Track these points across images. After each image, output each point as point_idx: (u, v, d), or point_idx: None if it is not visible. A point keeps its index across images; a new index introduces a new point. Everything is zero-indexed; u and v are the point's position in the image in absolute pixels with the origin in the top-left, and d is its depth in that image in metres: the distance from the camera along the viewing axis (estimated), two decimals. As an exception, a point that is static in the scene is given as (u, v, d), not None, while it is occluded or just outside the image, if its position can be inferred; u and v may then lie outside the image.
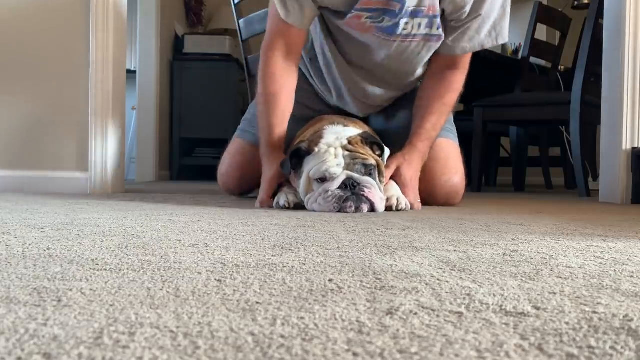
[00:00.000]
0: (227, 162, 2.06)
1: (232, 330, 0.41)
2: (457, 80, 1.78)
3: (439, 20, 1.66)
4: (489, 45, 1.75)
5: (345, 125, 1.60)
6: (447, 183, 1.82)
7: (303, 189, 1.53)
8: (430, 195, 1.82)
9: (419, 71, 1.86)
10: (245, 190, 2.07)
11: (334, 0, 1.66)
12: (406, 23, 1.65)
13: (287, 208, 1.53)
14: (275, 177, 1.67)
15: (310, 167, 1.49)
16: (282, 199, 1.56)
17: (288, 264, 0.68)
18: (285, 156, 1.61)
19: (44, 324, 0.42)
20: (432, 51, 1.75)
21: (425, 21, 1.66)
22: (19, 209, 1.43)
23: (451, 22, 1.70)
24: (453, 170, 1.84)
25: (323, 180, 1.47)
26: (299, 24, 1.70)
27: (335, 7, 1.68)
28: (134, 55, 4.94)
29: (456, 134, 2.00)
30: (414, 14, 1.64)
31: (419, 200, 1.68)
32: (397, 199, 1.55)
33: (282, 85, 1.75)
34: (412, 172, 1.67)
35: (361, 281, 0.59)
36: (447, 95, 1.77)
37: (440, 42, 1.72)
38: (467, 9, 1.65)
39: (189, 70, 4.90)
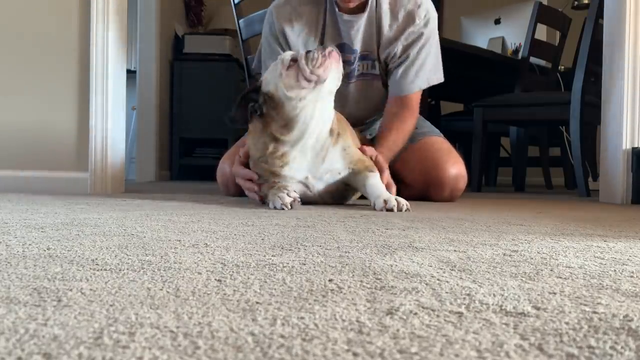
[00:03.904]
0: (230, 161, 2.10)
1: (232, 330, 0.41)
2: (408, 116, 2.03)
3: (377, 63, 2.08)
4: (425, 86, 2.07)
5: None
6: (453, 167, 2.01)
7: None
8: (439, 185, 2.01)
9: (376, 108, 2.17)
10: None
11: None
12: (359, 65, 2.08)
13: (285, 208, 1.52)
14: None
15: None
16: (277, 201, 1.53)
17: (288, 264, 0.68)
18: None
19: (44, 324, 0.42)
20: (381, 90, 2.11)
21: (370, 63, 2.08)
22: (19, 209, 1.42)
23: (392, 63, 2.06)
24: (455, 157, 2.06)
25: None
26: None
27: None
28: (134, 55, 4.94)
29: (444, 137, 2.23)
30: (363, 58, 2.07)
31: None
32: (397, 201, 1.54)
33: None
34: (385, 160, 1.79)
35: (361, 281, 0.58)
36: (404, 124, 2.02)
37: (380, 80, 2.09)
38: (398, 51, 2.03)
39: (189, 70, 4.89)
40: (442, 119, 3.89)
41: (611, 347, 0.38)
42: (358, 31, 2.03)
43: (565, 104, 2.86)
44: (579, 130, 2.81)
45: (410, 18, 2.01)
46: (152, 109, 4.60)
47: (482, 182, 3.27)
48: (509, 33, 3.78)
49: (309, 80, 1.48)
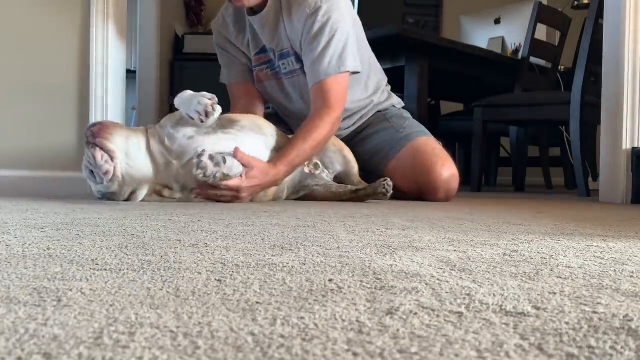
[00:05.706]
0: None
1: (232, 330, 0.41)
2: (323, 118, 1.88)
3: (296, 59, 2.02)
4: (336, 71, 1.90)
5: None
6: (444, 169, 1.99)
7: None
8: (433, 189, 2.00)
9: None
10: None
11: (244, 58, 2.14)
12: (283, 64, 2.04)
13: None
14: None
15: None
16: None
17: (288, 264, 0.68)
18: None
19: (44, 324, 0.42)
20: None
21: (293, 58, 2.02)
22: (19, 209, 1.42)
23: (303, 57, 1.97)
24: (445, 157, 2.02)
25: None
26: (233, 79, 2.17)
27: (246, 61, 2.15)
28: (134, 55, 4.94)
29: (430, 134, 2.18)
30: (282, 56, 2.03)
31: (243, 195, 1.73)
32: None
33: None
34: (262, 180, 1.75)
35: (361, 281, 0.58)
36: (313, 132, 1.86)
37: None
38: (302, 44, 1.94)
39: (189, 70, 4.89)
40: (442, 119, 3.89)
41: (611, 347, 0.38)
42: (264, 30, 2.00)
43: (565, 104, 2.86)
44: (579, 130, 2.81)
45: (301, 8, 1.91)
46: (152, 109, 4.59)
47: (482, 182, 3.26)
48: (509, 33, 3.78)
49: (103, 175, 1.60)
